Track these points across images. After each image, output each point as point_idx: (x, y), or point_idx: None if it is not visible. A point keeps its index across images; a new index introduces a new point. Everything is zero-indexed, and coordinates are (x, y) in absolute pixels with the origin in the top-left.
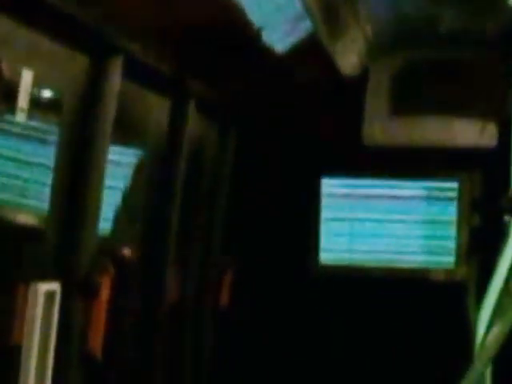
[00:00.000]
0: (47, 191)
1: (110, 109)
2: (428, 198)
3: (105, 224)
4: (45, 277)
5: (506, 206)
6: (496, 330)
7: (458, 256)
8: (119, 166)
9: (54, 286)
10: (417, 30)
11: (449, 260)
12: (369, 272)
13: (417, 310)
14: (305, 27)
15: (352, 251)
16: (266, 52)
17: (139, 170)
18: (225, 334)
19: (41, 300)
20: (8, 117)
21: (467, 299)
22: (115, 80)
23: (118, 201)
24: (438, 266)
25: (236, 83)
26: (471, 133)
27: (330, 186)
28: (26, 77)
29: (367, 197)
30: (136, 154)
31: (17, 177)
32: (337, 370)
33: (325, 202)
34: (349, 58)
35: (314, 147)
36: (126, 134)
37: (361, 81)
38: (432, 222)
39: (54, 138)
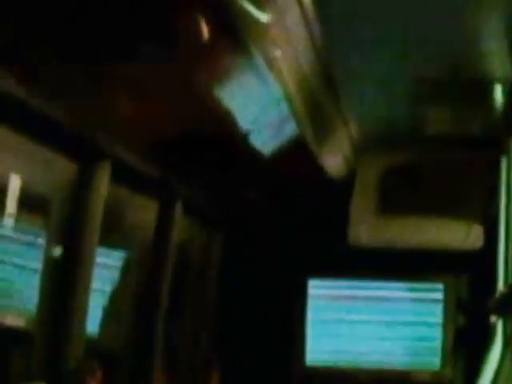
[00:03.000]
0: (35, 293)
1: (97, 212)
2: (414, 300)
3: (92, 326)
4: (32, 379)
5: (493, 308)
6: None
7: (444, 357)
8: (106, 269)
9: None
10: (403, 131)
11: (435, 361)
12: (355, 374)
13: None
14: (291, 129)
15: (338, 353)
16: (253, 155)
17: (126, 271)
18: None
19: None
20: None
21: None
22: (103, 184)
23: (105, 303)
24: (423, 368)
25: (223, 185)
26: (457, 235)
27: (316, 288)
28: (14, 182)
29: (353, 298)
30: (123, 257)
31: (3, 279)
32: None
33: (311, 303)
34: (335, 159)
35: (300, 249)
36: (113, 236)
37: (347, 182)
38: (418, 324)
39: (41, 240)
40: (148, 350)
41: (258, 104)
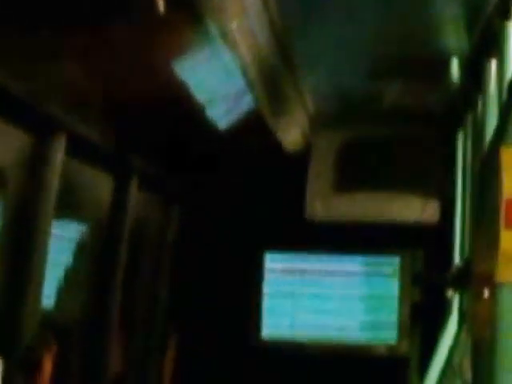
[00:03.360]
0: None
1: (53, 184)
2: (370, 274)
3: (47, 298)
4: None
5: (449, 282)
6: None
7: (400, 331)
8: (63, 241)
9: None
10: (359, 106)
11: (391, 335)
12: (310, 348)
13: None
14: (247, 103)
15: (293, 327)
16: (209, 128)
17: (82, 244)
18: None
19: None
20: None
21: (410, 374)
22: (58, 157)
23: (61, 275)
24: (380, 342)
25: (180, 160)
26: (413, 210)
27: (273, 261)
28: None
29: (310, 272)
30: (80, 229)
31: None
32: None
33: (267, 276)
34: (291, 133)
35: (257, 223)
36: (69, 208)
37: (304, 156)
38: (374, 298)
39: None
40: (103, 323)
41: (215, 77)
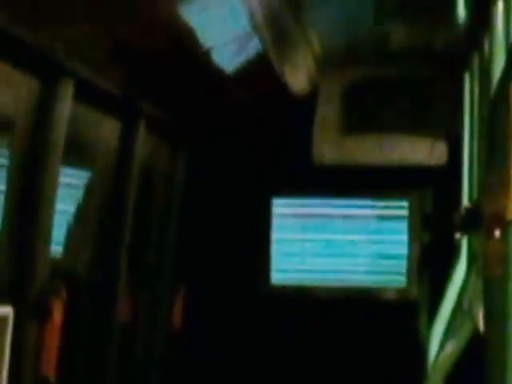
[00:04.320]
0: None
1: (60, 131)
2: (379, 217)
3: (57, 247)
4: None
5: (458, 224)
6: (449, 348)
7: (410, 275)
8: (71, 188)
9: (7, 311)
10: (365, 47)
11: (400, 279)
12: (320, 292)
13: (369, 330)
14: (254, 46)
15: (303, 271)
16: (216, 71)
17: (90, 191)
18: (178, 355)
19: None
20: None
21: (419, 318)
22: (66, 102)
23: (69, 223)
24: (389, 286)
25: (187, 103)
26: (421, 151)
27: (280, 206)
28: None
29: (318, 216)
30: (87, 176)
31: None
32: None
33: (276, 221)
34: (298, 76)
35: (264, 168)
36: (77, 155)
37: (310, 99)
38: (383, 241)
39: (4, 160)
40: (112, 273)
41: (221, 21)
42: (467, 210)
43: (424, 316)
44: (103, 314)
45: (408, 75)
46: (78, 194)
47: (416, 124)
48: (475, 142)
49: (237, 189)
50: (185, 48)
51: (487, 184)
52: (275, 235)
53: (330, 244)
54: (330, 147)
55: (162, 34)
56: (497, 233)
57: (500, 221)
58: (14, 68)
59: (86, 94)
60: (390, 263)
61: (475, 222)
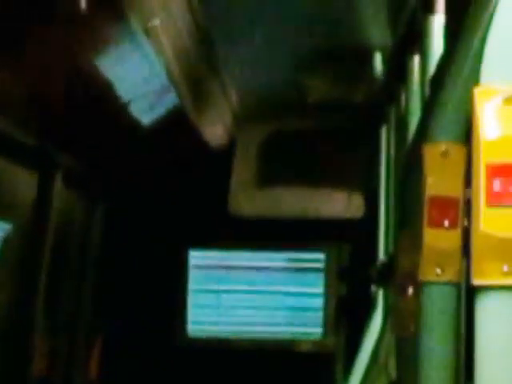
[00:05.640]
0: None
1: None
2: (295, 270)
3: None
4: None
5: (374, 277)
6: None
7: (326, 327)
8: None
9: None
10: (283, 99)
11: (317, 331)
12: (236, 344)
13: (285, 382)
14: (171, 100)
15: (219, 323)
16: (133, 125)
17: (6, 244)
18: None
19: None
20: None
21: (336, 370)
22: None
23: None
24: (305, 337)
25: (105, 156)
26: (338, 204)
27: (197, 258)
28: None
29: (234, 268)
30: (3, 229)
31: None
32: None
33: (192, 273)
34: (215, 129)
35: (181, 220)
36: None
37: (228, 152)
38: (299, 294)
39: None
40: (28, 323)
41: (138, 74)
42: (383, 264)
43: (340, 368)
44: (18, 368)
45: (326, 128)
46: None
47: (334, 177)
48: (391, 196)
49: (154, 240)
50: (102, 100)
51: (399, 241)
52: (191, 287)
53: (246, 296)
54: (246, 200)
55: (80, 85)
56: (409, 291)
57: (412, 279)
58: None
59: (1, 146)
60: (307, 315)
61: (390, 276)
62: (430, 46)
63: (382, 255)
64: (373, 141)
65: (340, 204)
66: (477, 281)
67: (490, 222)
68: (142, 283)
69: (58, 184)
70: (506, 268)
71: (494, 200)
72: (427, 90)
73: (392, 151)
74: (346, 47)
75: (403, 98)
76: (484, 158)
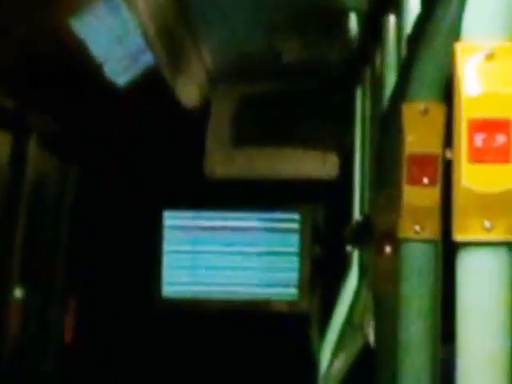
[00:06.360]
0: None
1: None
2: (270, 230)
3: None
4: None
5: (349, 237)
6: (339, 362)
7: (301, 287)
8: None
9: None
10: (257, 61)
11: (291, 292)
12: (211, 305)
13: (260, 343)
14: (146, 60)
15: (194, 284)
16: (108, 86)
17: None
18: (69, 363)
19: None
20: None
21: (311, 330)
22: None
23: None
24: (280, 298)
25: (78, 118)
26: (313, 164)
27: (172, 219)
28: None
29: (209, 229)
30: None
31: None
32: None
33: (167, 234)
34: (190, 90)
35: (155, 181)
36: None
37: (203, 113)
38: (274, 254)
39: None
40: (2, 285)
41: (113, 34)
42: (358, 223)
43: (315, 329)
44: None
45: (301, 89)
46: None
47: (308, 138)
48: (366, 157)
49: (128, 202)
50: (76, 62)
51: (377, 200)
52: (166, 248)
53: (221, 257)
54: (221, 161)
55: (54, 46)
56: (387, 249)
57: (390, 237)
58: None
59: None
60: (281, 276)
61: (366, 236)
62: (406, 6)
63: (357, 215)
64: (348, 101)
65: (315, 165)
66: (458, 237)
67: (472, 177)
68: (117, 245)
69: (33, 146)
70: (487, 224)
71: (476, 156)
72: (403, 49)
73: (367, 112)
74: (320, 8)
75: (378, 58)
76: (466, 114)
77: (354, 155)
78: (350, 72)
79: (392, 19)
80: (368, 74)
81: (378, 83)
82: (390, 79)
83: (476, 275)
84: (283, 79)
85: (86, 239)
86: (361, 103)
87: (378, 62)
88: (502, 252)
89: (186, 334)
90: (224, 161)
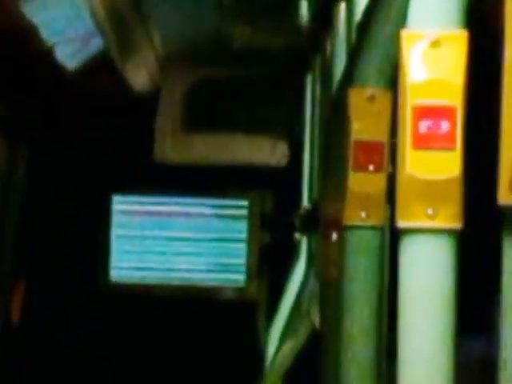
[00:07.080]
0: None
1: None
2: (218, 216)
3: None
4: None
5: (297, 224)
6: (286, 349)
7: (249, 274)
8: None
9: None
10: (208, 46)
11: (239, 278)
12: (159, 290)
13: (207, 329)
14: (96, 44)
15: (142, 269)
16: (57, 69)
17: None
18: (16, 348)
19: None
20: None
21: (258, 317)
22: None
23: None
24: (228, 284)
25: (27, 100)
26: (262, 151)
27: (121, 203)
28: None
29: (158, 214)
30: None
31: None
32: None
33: (116, 218)
34: (140, 75)
35: (105, 165)
36: None
37: (153, 98)
38: (222, 240)
39: None
40: None
41: (63, 18)
42: (306, 211)
43: (263, 315)
44: None
45: (250, 75)
46: None
47: (258, 124)
48: (315, 144)
49: (77, 186)
50: (26, 44)
51: (325, 187)
52: (115, 232)
53: (169, 242)
54: (171, 146)
55: (3, 29)
56: (333, 236)
57: (336, 224)
58: None
59: None
60: (229, 262)
61: (314, 223)
62: None
63: (305, 203)
64: (298, 88)
65: (264, 152)
66: (402, 223)
67: (416, 164)
68: (66, 228)
69: None
70: (430, 211)
71: (420, 142)
72: (353, 37)
73: (317, 99)
74: None
75: (329, 45)
76: (411, 100)
77: (304, 143)
78: (301, 59)
79: (343, 6)
80: (318, 60)
81: (328, 70)
82: (340, 66)
83: (418, 262)
84: (234, 65)
85: (34, 223)
86: (311, 90)
87: (328, 48)
88: (444, 239)
89: (133, 319)
90: (174, 146)
